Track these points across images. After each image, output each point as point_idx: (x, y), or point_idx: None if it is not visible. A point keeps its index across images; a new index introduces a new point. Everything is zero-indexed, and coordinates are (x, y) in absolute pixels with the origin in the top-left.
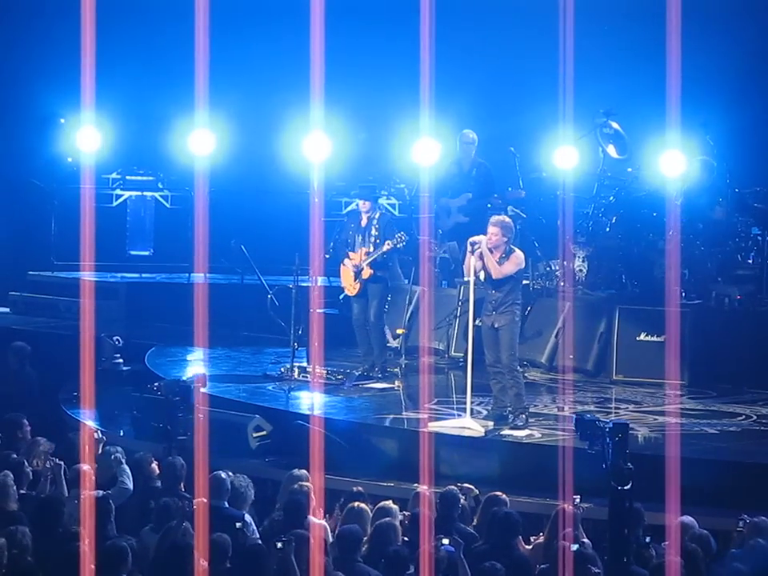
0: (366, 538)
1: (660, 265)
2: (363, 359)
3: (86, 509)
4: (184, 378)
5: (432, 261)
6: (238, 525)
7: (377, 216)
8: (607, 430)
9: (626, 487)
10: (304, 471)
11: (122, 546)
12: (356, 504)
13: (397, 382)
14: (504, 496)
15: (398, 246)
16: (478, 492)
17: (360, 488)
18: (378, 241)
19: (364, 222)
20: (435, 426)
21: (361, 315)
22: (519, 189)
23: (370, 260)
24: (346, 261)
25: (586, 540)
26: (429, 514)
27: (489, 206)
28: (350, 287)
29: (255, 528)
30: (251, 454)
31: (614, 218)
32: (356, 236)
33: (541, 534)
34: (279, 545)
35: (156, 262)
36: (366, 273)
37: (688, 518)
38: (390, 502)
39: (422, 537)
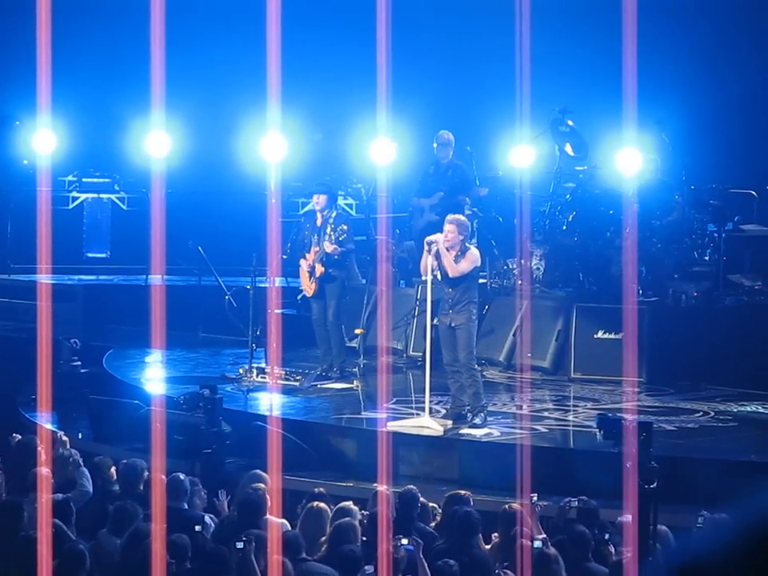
0: (324, 538)
1: (617, 262)
2: (322, 359)
3: (43, 512)
4: (201, 391)
5: (390, 260)
6: (197, 528)
7: (333, 215)
8: (632, 428)
9: (652, 486)
10: (259, 472)
11: (79, 550)
12: (314, 504)
13: (355, 382)
14: (466, 494)
15: (340, 238)
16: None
17: (321, 489)
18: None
19: (319, 222)
20: (394, 426)
21: (320, 315)
22: (482, 187)
23: (318, 257)
24: (302, 262)
25: (543, 536)
26: (387, 514)
27: (466, 207)
28: (307, 288)
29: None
30: None
31: (571, 216)
32: (312, 236)
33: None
34: (239, 545)
35: (113, 264)
36: (318, 270)
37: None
38: (351, 502)
39: (380, 536)
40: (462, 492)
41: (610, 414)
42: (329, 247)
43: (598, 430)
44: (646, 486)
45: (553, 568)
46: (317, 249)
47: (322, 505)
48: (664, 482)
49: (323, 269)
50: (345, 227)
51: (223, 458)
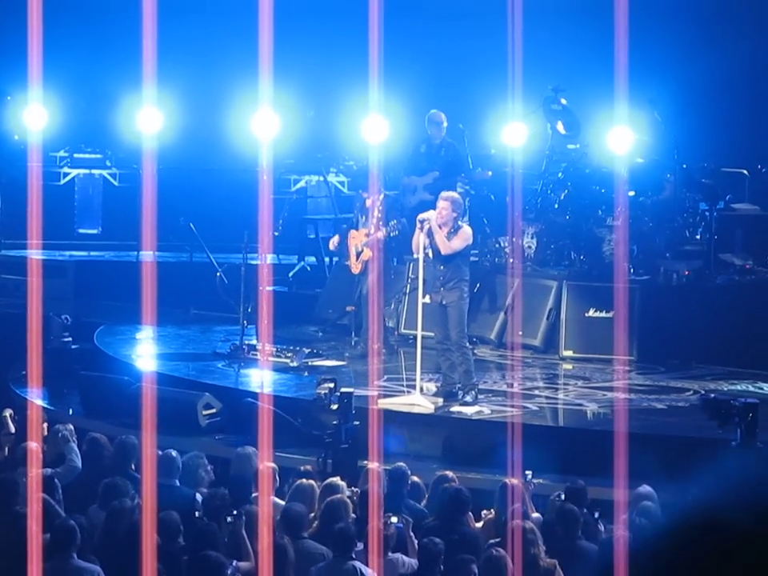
0: (312, 515)
1: (608, 241)
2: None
3: (33, 487)
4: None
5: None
6: (197, 513)
7: (380, 197)
8: (740, 408)
9: None
10: (252, 448)
11: (70, 525)
12: (303, 481)
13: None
14: (452, 474)
15: (391, 234)
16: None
17: (308, 466)
18: (380, 223)
19: (369, 203)
20: (385, 403)
21: (368, 292)
22: (486, 170)
23: (367, 241)
24: (350, 238)
25: (535, 515)
26: (378, 491)
27: (458, 185)
28: (354, 265)
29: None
30: (201, 431)
31: (563, 195)
32: (359, 215)
33: (491, 509)
34: (229, 519)
35: (104, 240)
36: (366, 255)
37: (646, 488)
38: (338, 478)
39: (371, 514)
40: (449, 473)
41: (714, 396)
42: (380, 233)
43: (702, 411)
44: None
45: (528, 538)
46: (365, 231)
47: (311, 482)
48: (652, 460)
49: (371, 253)
50: (396, 223)
51: (357, 453)
